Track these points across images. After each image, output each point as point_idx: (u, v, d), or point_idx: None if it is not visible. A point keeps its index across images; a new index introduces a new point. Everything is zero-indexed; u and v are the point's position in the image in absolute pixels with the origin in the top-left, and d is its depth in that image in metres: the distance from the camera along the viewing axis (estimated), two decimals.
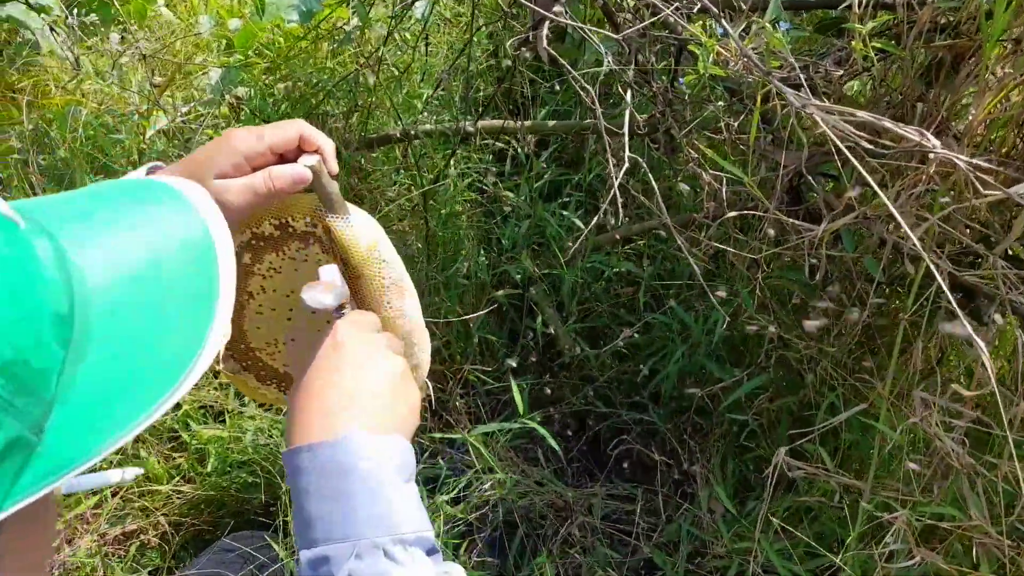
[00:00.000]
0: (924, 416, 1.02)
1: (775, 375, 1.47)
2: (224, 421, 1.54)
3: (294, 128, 0.65)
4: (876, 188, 0.86)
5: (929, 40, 1.23)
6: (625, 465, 1.77)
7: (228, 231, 0.53)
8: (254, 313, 0.75)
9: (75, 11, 1.95)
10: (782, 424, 1.49)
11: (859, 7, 1.15)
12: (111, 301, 0.42)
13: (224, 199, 0.61)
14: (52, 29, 1.88)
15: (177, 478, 1.56)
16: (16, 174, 1.71)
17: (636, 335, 1.70)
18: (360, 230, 0.68)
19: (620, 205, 1.15)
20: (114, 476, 0.57)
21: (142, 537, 1.48)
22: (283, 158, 0.65)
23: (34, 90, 1.87)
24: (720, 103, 1.37)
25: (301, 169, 0.64)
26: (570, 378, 1.83)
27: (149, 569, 1.47)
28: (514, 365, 1.64)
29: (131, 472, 0.58)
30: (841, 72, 1.19)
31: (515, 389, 1.48)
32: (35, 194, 1.69)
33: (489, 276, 1.80)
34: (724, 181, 1.38)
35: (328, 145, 0.66)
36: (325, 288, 0.63)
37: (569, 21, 1.37)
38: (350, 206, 0.69)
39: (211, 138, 1.79)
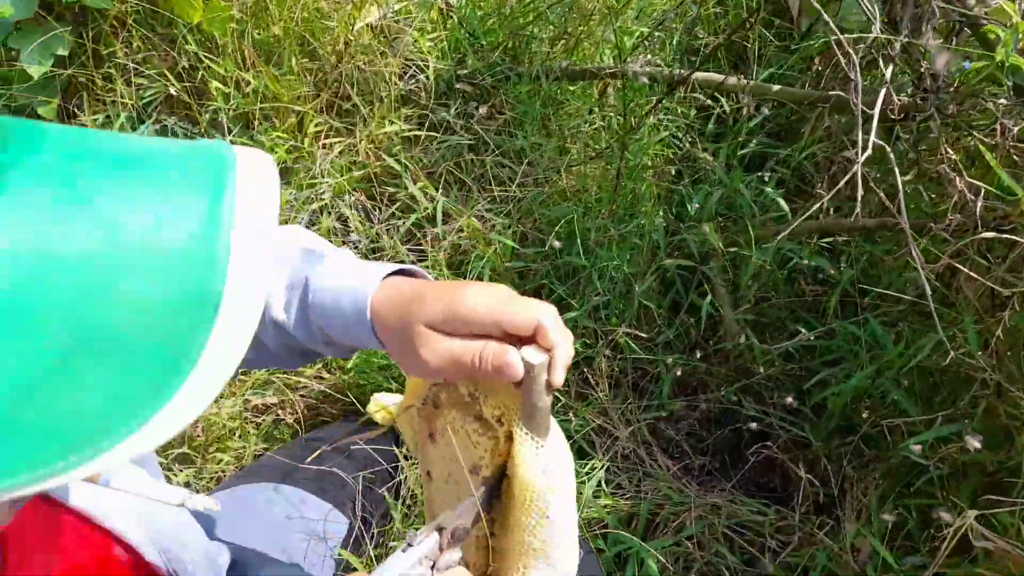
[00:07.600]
0: None
1: (979, 425, 1.27)
2: None
3: (534, 314, 0.54)
4: None
5: None
6: (761, 472, 1.63)
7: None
8: (438, 487, 0.66)
9: None
10: (968, 480, 1.29)
11: None
12: None
13: (421, 354, 0.55)
14: None
15: (319, 365, 1.59)
16: (232, 43, 1.75)
17: (814, 339, 1.53)
18: (543, 464, 0.56)
19: (860, 197, 0.99)
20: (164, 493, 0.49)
21: (278, 412, 1.54)
22: (514, 337, 0.55)
23: None
24: (1002, 100, 1.14)
25: (515, 362, 0.53)
26: (725, 364, 1.69)
27: (279, 444, 1.52)
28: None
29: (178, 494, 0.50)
30: None
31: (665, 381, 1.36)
32: (247, 67, 1.73)
33: (665, 241, 1.67)
34: (981, 193, 1.16)
35: (564, 351, 0.55)
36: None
37: None
38: (554, 429, 0.57)
39: (415, 41, 1.75)
